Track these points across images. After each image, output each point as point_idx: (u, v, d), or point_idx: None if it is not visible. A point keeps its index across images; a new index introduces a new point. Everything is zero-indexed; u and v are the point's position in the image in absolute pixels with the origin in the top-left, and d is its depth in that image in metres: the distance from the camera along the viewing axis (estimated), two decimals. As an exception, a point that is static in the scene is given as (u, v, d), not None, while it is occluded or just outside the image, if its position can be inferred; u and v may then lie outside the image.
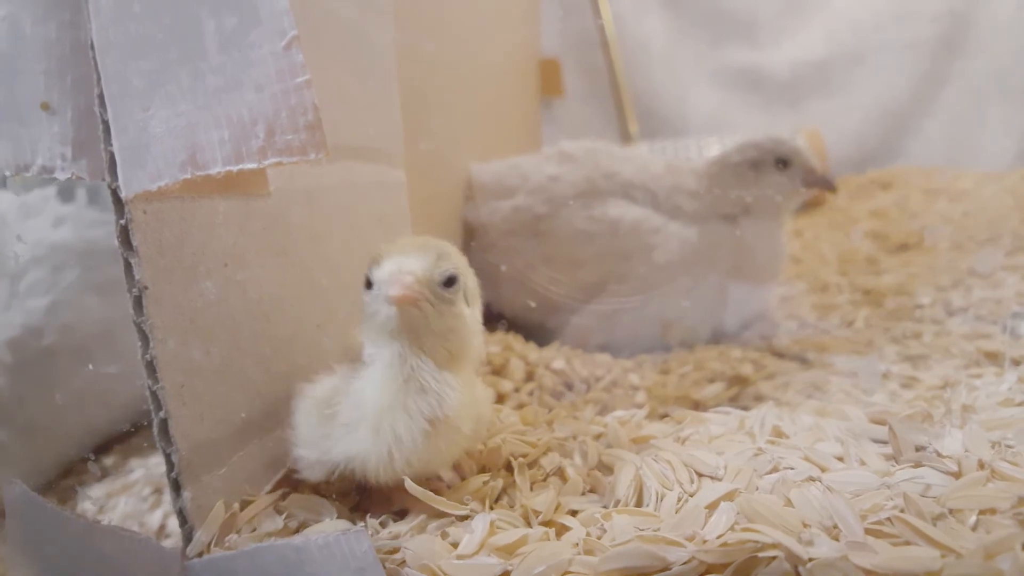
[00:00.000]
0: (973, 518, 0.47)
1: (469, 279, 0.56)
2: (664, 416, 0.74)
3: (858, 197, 1.85)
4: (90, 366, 0.89)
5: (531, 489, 0.57)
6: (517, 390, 0.91)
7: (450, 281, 0.51)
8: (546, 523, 0.52)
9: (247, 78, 0.43)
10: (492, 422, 0.66)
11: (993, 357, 0.89)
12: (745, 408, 0.73)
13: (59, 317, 0.86)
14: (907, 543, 0.46)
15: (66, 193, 1.00)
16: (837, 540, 0.46)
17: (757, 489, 0.52)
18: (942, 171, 1.86)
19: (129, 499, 0.85)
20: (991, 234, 1.38)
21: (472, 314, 0.55)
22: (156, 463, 0.91)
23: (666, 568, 0.45)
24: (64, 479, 0.90)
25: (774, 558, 0.44)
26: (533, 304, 1.15)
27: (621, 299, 1.11)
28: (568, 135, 2.11)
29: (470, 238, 1.27)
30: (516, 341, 1.08)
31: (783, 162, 1.10)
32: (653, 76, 2.11)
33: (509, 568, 0.46)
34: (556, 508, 0.54)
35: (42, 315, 0.85)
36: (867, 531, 0.47)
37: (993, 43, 1.92)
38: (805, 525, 0.48)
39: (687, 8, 2.11)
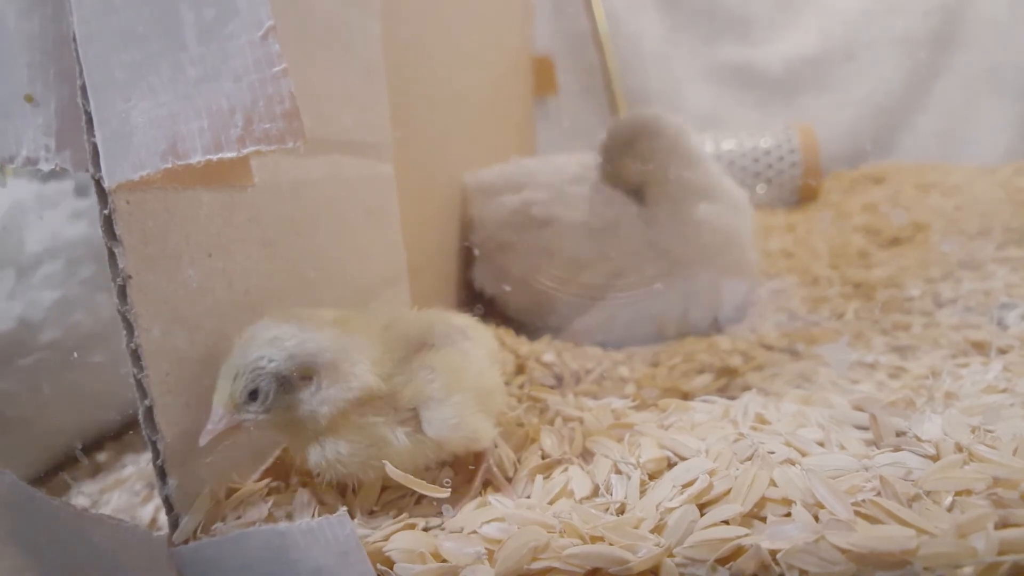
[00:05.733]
0: (949, 499, 0.48)
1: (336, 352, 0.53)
2: (650, 406, 0.75)
3: (851, 192, 1.86)
4: (95, 361, 0.89)
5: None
6: (507, 383, 0.92)
7: (253, 395, 0.51)
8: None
9: (225, 68, 0.44)
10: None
11: (981, 347, 0.90)
12: (732, 398, 0.73)
13: (69, 311, 0.87)
14: (883, 524, 0.46)
15: (82, 189, 1.01)
16: (817, 520, 0.47)
17: (738, 470, 0.53)
18: (934, 166, 1.87)
19: (122, 494, 0.86)
20: (982, 227, 1.39)
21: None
22: (148, 459, 0.91)
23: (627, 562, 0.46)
24: (56, 475, 0.91)
25: (747, 548, 0.45)
26: (508, 288, 1.16)
27: (613, 292, 1.12)
28: (562, 133, 2.13)
29: (467, 232, 1.28)
30: (507, 335, 1.08)
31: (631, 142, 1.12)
32: (647, 73, 2.12)
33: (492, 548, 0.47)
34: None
35: (50, 309, 0.85)
36: (844, 512, 0.47)
37: (984, 37, 1.92)
38: (788, 502, 0.48)
39: (680, 5, 2.11)
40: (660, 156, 1.12)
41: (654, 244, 1.12)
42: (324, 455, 0.53)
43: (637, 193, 1.15)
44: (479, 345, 0.62)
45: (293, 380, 0.51)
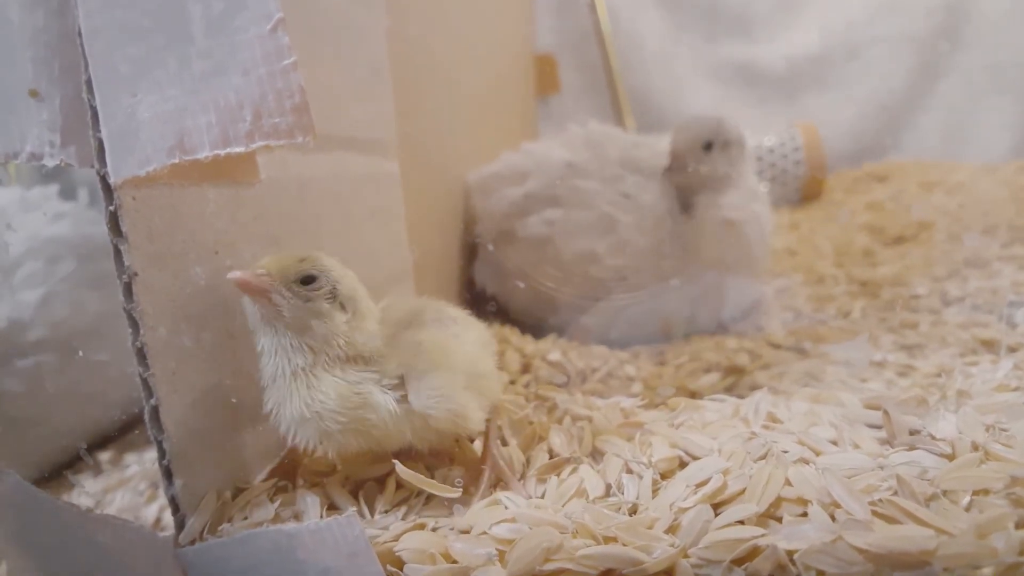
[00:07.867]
0: (966, 499, 0.47)
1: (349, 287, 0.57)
2: (659, 405, 0.74)
3: (854, 191, 1.85)
4: (84, 359, 0.89)
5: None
6: (513, 382, 0.91)
7: (307, 280, 0.54)
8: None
9: (234, 62, 0.43)
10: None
11: (989, 345, 0.89)
12: (740, 397, 0.72)
13: (52, 310, 0.86)
14: (901, 524, 0.46)
15: (67, 192, 1.01)
16: (834, 519, 0.46)
17: (752, 469, 0.52)
18: (938, 164, 1.86)
19: (125, 493, 0.86)
20: (987, 225, 1.38)
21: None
22: (152, 458, 0.91)
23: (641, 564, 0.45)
24: (59, 474, 0.90)
25: (763, 549, 0.44)
26: (521, 285, 1.15)
27: (620, 292, 1.11)
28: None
29: (470, 230, 1.27)
30: (512, 334, 1.08)
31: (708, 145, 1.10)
32: (649, 71, 2.11)
33: (503, 549, 0.47)
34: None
35: (35, 307, 0.85)
36: (861, 511, 0.47)
37: (988, 36, 1.92)
38: (804, 502, 0.48)
39: (683, 3, 2.11)
40: (731, 159, 1.11)
41: (690, 247, 1.09)
42: (309, 399, 0.52)
43: (687, 196, 1.12)
44: (469, 333, 0.63)
45: (337, 299, 0.55)
